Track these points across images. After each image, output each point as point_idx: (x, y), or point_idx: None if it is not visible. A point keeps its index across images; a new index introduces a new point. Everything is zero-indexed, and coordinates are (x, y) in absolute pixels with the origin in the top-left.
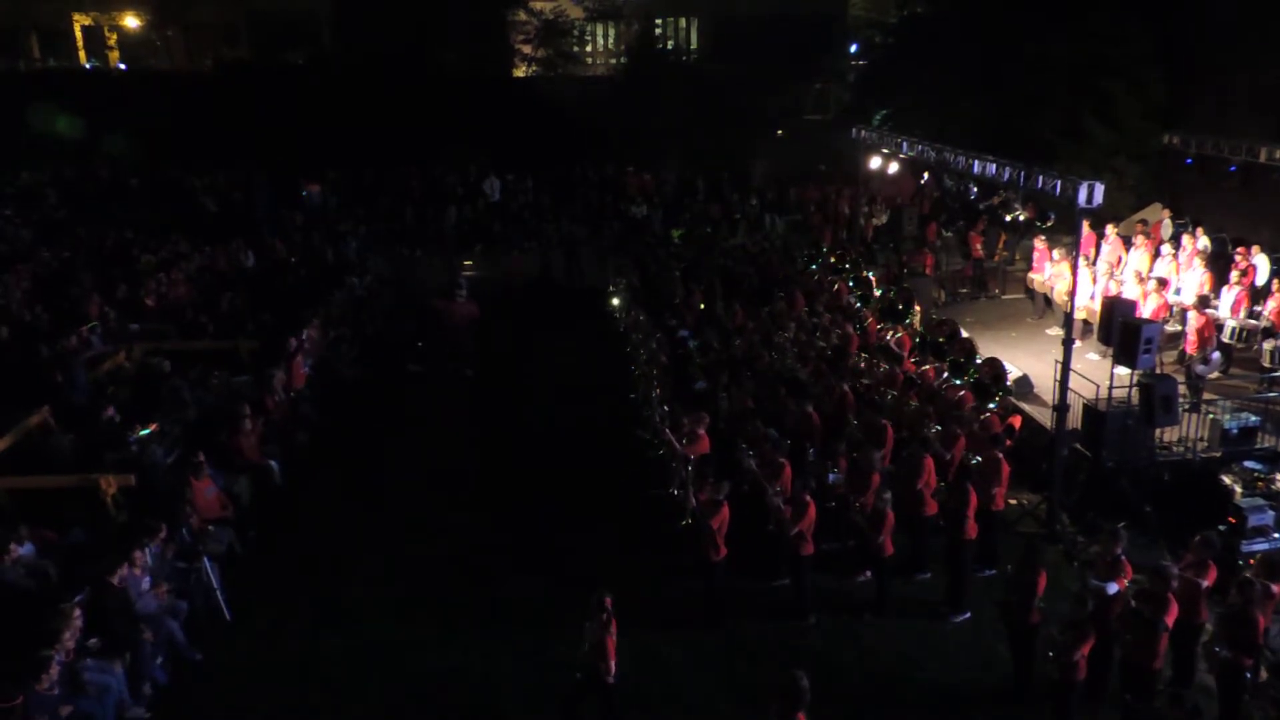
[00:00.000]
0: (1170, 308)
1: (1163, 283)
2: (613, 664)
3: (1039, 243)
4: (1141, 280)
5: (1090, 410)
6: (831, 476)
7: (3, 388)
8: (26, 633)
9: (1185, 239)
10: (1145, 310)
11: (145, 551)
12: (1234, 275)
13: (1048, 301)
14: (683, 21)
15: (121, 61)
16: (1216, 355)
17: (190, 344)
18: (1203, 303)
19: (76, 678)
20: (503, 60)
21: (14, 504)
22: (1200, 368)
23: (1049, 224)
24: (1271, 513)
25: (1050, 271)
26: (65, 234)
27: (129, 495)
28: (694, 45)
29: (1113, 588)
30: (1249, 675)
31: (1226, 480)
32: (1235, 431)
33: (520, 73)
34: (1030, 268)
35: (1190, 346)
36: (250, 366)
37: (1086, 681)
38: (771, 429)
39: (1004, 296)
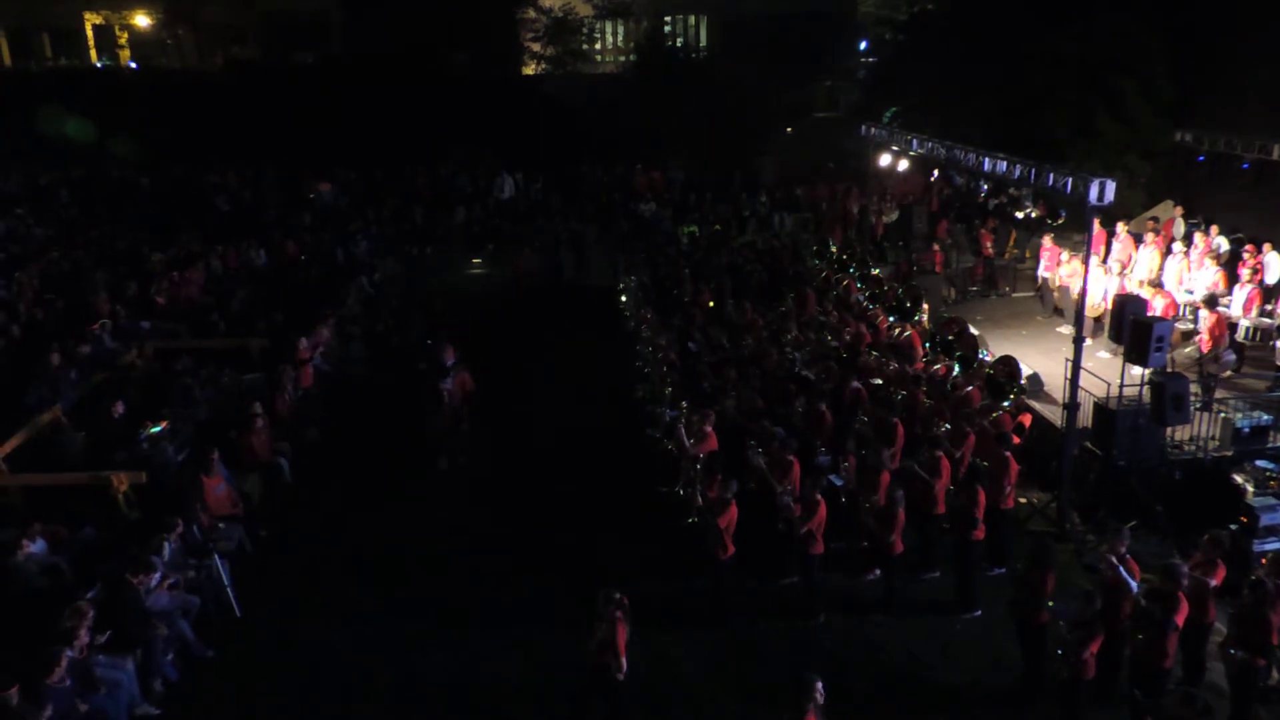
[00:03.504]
0: (1179, 306)
1: (1157, 285)
2: (624, 661)
3: (1047, 241)
4: (1139, 284)
5: (1101, 409)
6: (838, 480)
7: (13, 386)
8: (39, 628)
9: (1197, 237)
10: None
11: (164, 548)
12: (1244, 274)
13: (1057, 310)
14: (692, 19)
15: (132, 60)
16: (1230, 355)
17: (201, 342)
18: (1211, 302)
19: (89, 674)
20: (512, 58)
21: (26, 501)
22: (1213, 367)
23: (1060, 221)
24: None
25: (1063, 272)
26: (77, 233)
27: (140, 493)
28: (703, 43)
29: (1134, 584)
30: (1259, 675)
31: (1238, 479)
32: (1247, 430)
33: (529, 70)
34: (1044, 266)
35: (1203, 345)
36: (261, 365)
37: (1096, 680)
38: (779, 427)
39: (1014, 294)
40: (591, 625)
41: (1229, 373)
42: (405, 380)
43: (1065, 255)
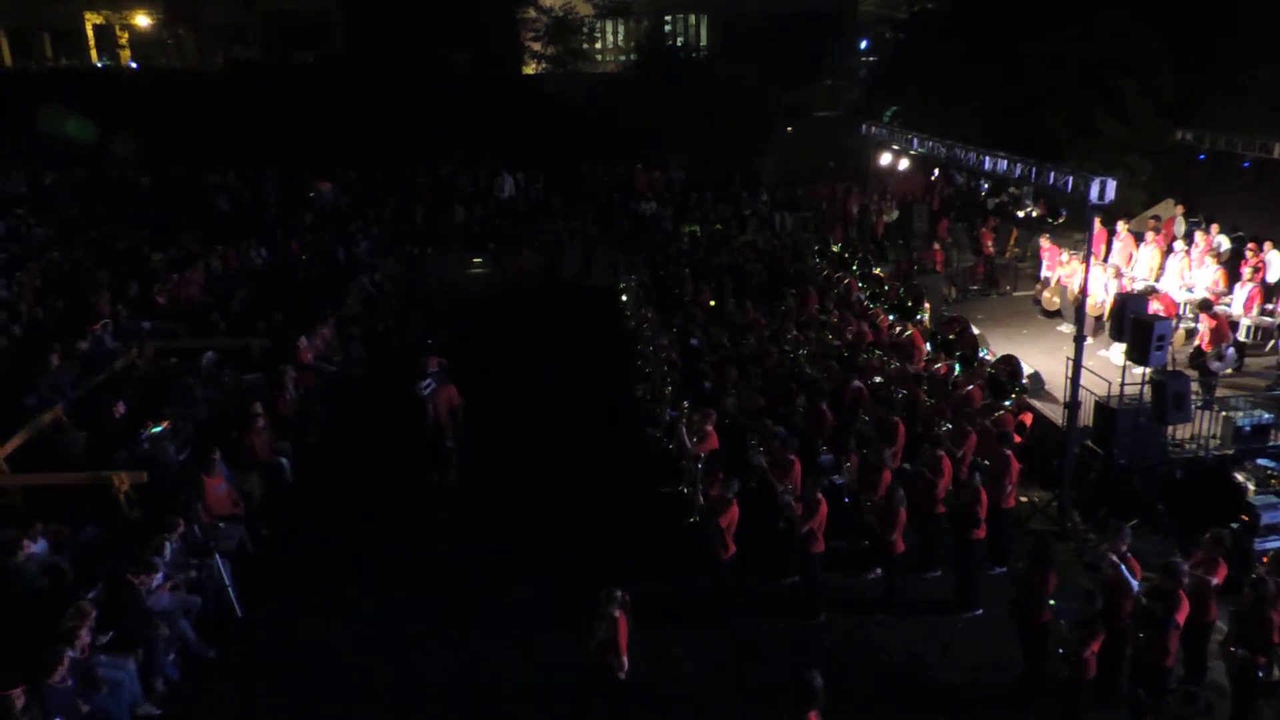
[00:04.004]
0: (1179, 306)
1: (1152, 291)
2: (625, 660)
3: (1044, 241)
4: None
5: (1102, 407)
6: (840, 480)
7: (14, 386)
8: (40, 628)
9: (1198, 235)
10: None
11: (165, 547)
12: (1246, 272)
13: (1049, 313)
14: (692, 18)
15: (133, 60)
16: (1231, 351)
17: (202, 342)
18: (1204, 306)
19: (91, 674)
20: (512, 58)
21: (27, 501)
22: (1215, 364)
23: (1061, 220)
24: None
25: (1062, 272)
26: (78, 233)
27: (141, 492)
28: (704, 42)
29: (1135, 583)
30: (1261, 674)
31: (1239, 478)
32: (1248, 429)
33: (530, 70)
34: (1045, 266)
35: (1205, 345)
36: (261, 364)
37: (1097, 679)
38: (780, 426)
39: (1015, 293)
40: (592, 624)
41: (1230, 370)
42: (406, 380)
43: (1065, 255)
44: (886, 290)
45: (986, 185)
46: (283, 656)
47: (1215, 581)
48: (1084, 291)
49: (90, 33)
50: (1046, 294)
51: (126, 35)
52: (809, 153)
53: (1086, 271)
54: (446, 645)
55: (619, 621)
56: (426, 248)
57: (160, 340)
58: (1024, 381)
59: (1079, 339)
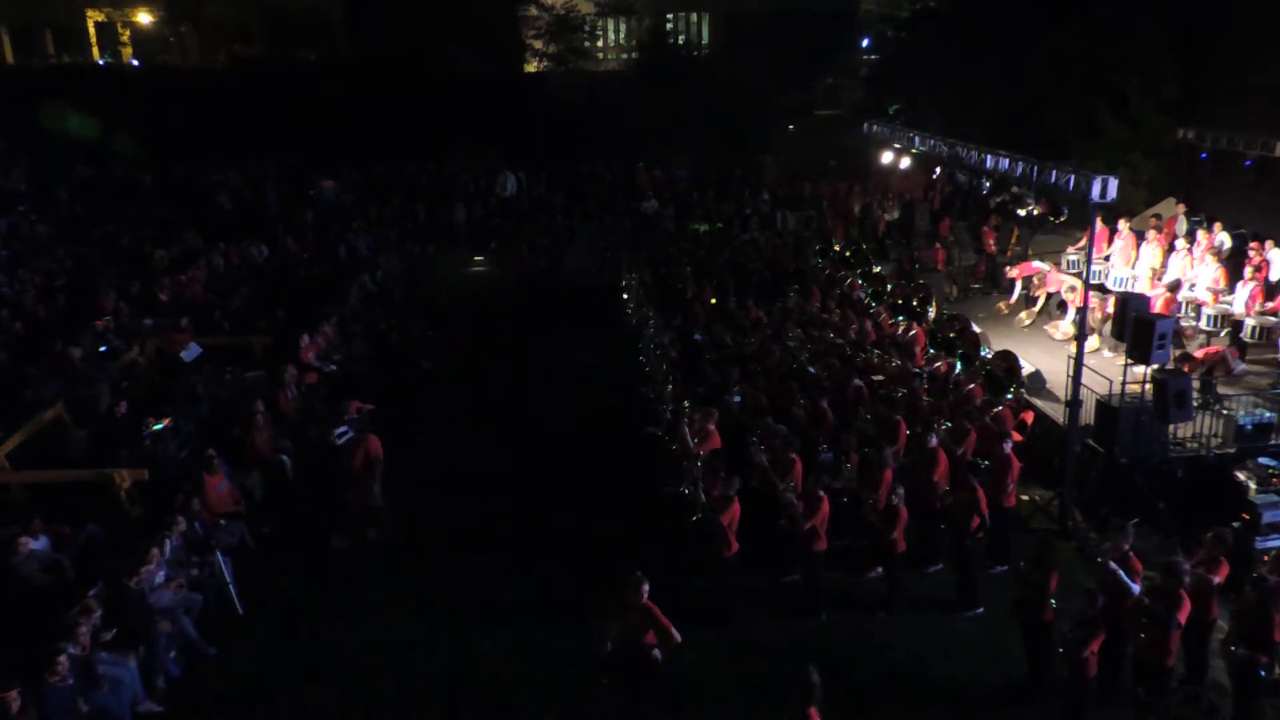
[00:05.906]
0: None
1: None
2: (674, 632)
3: (1010, 270)
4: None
5: (1103, 406)
6: (837, 485)
7: (15, 383)
8: (41, 626)
9: (1200, 234)
10: None
11: (166, 545)
12: (1248, 271)
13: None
14: (694, 16)
15: (135, 58)
16: (1242, 367)
17: (204, 340)
18: (1183, 359)
19: (92, 671)
20: (514, 56)
21: (29, 498)
22: (1220, 371)
23: (1062, 219)
24: None
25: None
26: (81, 230)
27: (142, 490)
28: (705, 40)
29: (1135, 587)
30: (1263, 673)
31: (1241, 476)
32: (1250, 427)
33: (531, 68)
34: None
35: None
36: (263, 362)
37: (1099, 679)
38: (782, 425)
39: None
40: (615, 616)
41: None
42: (406, 379)
43: (1037, 264)
44: (890, 289)
45: (988, 184)
46: (283, 654)
47: (1217, 580)
48: (1086, 292)
49: (92, 30)
50: (1022, 314)
51: (128, 33)
52: (810, 151)
53: (1086, 271)
54: (448, 642)
55: (651, 606)
56: (428, 246)
57: (162, 338)
58: (1022, 377)
59: (1080, 338)
